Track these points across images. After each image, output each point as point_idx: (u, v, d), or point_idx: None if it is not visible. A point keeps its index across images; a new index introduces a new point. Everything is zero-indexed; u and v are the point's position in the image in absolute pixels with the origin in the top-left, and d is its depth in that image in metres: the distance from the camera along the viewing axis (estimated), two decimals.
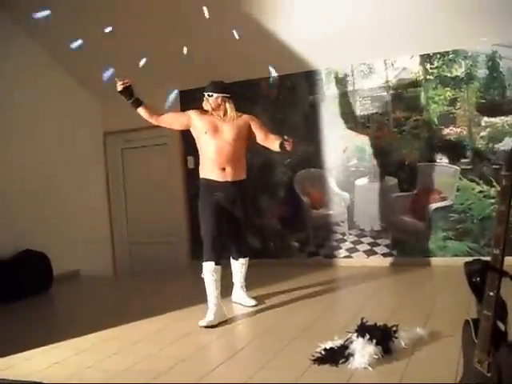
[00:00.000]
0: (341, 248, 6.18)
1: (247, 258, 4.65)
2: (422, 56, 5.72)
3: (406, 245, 5.87)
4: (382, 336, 3.12)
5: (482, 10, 4.98)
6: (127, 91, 4.24)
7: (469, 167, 5.55)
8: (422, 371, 2.79)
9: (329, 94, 6.16)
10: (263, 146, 4.47)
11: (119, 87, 4.21)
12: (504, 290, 1.93)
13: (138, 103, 4.30)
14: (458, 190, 5.60)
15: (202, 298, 4.28)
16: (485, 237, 5.45)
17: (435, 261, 5.65)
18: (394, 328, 3.25)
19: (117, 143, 7.62)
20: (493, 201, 5.38)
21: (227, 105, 4.37)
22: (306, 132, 6.27)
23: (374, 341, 3.04)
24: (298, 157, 6.30)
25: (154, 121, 4.43)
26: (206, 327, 3.98)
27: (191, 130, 4.44)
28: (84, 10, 5.86)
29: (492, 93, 5.43)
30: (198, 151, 4.46)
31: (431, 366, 2.85)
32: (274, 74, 5.23)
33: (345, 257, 6.15)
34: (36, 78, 6.48)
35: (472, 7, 4.97)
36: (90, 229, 7.19)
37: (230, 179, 4.31)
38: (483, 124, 5.48)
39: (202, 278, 4.22)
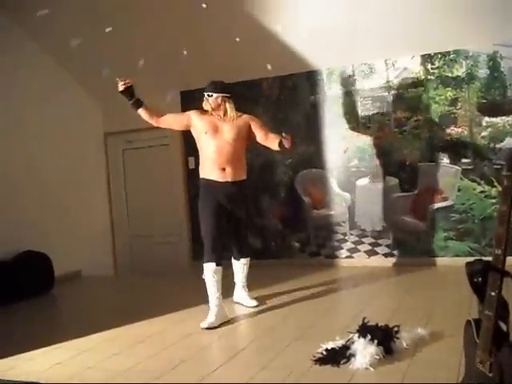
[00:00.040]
0: (342, 248, 6.18)
1: (248, 258, 4.64)
2: (423, 56, 5.71)
3: (407, 245, 5.87)
4: (384, 336, 3.12)
5: (484, 10, 4.98)
6: (128, 91, 4.24)
7: (470, 167, 5.55)
8: (424, 371, 2.79)
9: (330, 94, 6.16)
10: (264, 146, 4.46)
11: (120, 87, 4.21)
12: (506, 290, 1.93)
13: (138, 104, 4.29)
14: (459, 190, 5.59)
15: (203, 298, 4.28)
16: (486, 237, 5.45)
17: (436, 261, 5.65)
18: (396, 328, 3.25)
19: (118, 144, 7.63)
20: (494, 201, 5.38)
21: (227, 105, 4.35)
22: (307, 132, 6.27)
23: (376, 341, 3.04)
24: (299, 157, 6.31)
25: (154, 122, 4.43)
26: (208, 329, 3.97)
27: (191, 130, 4.42)
28: (85, 11, 5.87)
29: (493, 93, 5.43)
30: (198, 152, 4.46)
31: (433, 367, 2.85)
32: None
33: (346, 257, 6.15)
34: (37, 79, 6.49)
35: (473, 7, 4.97)
36: (91, 229, 7.20)
37: (230, 179, 4.29)
38: (484, 124, 5.47)
39: (203, 279, 4.22)
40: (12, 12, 6.06)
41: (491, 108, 5.44)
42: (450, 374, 2.64)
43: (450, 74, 5.61)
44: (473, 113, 5.52)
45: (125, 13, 5.80)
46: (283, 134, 4.04)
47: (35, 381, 3.15)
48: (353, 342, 3.11)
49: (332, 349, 3.14)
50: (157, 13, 5.76)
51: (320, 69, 6.19)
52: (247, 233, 4.75)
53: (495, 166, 5.38)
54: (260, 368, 3.07)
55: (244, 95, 6.08)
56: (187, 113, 4.47)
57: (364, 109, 6.01)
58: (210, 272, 4.17)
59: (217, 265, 4.17)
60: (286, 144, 4.05)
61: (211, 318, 4.05)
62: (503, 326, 1.97)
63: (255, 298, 4.62)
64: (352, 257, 6.12)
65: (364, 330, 3.19)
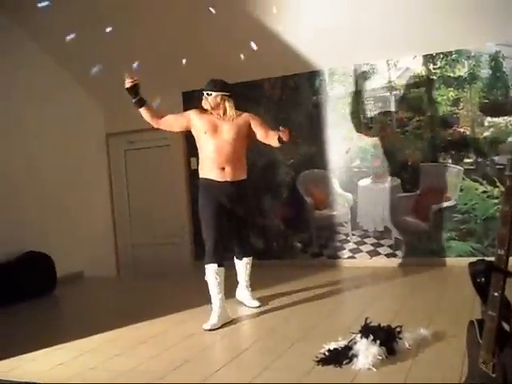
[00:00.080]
0: (344, 249, 6.18)
1: (251, 258, 4.64)
2: (425, 56, 5.71)
3: (410, 245, 5.86)
4: (386, 337, 3.11)
5: (486, 10, 4.97)
6: (134, 89, 4.22)
7: (472, 167, 5.54)
8: (426, 372, 2.79)
9: (332, 95, 6.16)
10: (265, 144, 4.41)
11: (127, 84, 4.19)
12: (509, 290, 1.93)
13: (141, 103, 4.28)
14: (461, 190, 5.59)
15: (205, 298, 4.28)
16: (488, 237, 5.45)
17: (439, 261, 5.64)
18: (398, 329, 3.24)
19: (120, 145, 7.63)
20: (496, 201, 5.38)
21: (226, 103, 4.31)
22: (309, 132, 6.27)
23: (378, 342, 3.04)
24: (301, 157, 6.31)
25: (154, 123, 4.41)
26: (210, 330, 3.97)
27: (191, 129, 4.40)
28: (85, 11, 5.87)
29: (495, 93, 5.42)
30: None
31: (435, 367, 2.84)
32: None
33: (348, 258, 6.15)
34: (37, 79, 6.50)
35: (475, 7, 4.96)
36: (93, 230, 7.20)
37: (229, 179, 4.27)
38: (486, 124, 5.47)
39: (206, 280, 4.20)
40: (12, 12, 6.07)
41: (493, 108, 5.43)
42: (453, 375, 2.63)
43: (452, 74, 5.61)
44: (475, 113, 5.51)
45: (125, 13, 5.80)
46: (280, 128, 4.01)
47: (37, 381, 3.15)
48: (355, 343, 3.11)
49: (334, 349, 3.13)
50: (158, 13, 5.76)
51: (322, 69, 6.19)
52: (249, 232, 4.72)
53: (497, 166, 5.38)
54: (262, 368, 3.07)
55: (246, 96, 6.08)
56: (187, 113, 4.45)
57: (366, 109, 6.01)
58: (213, 273, 4.15)
59: (219, 266, 4.16)
60: (284, 137, 4.00)
61: (213, 320, 4.04)
62: (506, 327, 1.96)
63: (257, 299, 4.61)
64: (354, 257, 6.12)
65: (366, 331, 3.18)
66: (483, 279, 2.02)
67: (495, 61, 5.40)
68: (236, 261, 4.63)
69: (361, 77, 6.01)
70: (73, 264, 6.65)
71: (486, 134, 5.46)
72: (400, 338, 3.15)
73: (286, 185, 6.47)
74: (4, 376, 3.31)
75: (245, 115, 4.40)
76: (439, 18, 5.15)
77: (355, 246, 6.12)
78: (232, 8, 5.54)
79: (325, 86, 6.20)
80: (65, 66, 6.85)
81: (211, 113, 4.34)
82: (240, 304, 4.63)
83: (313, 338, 3.55)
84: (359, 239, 6.10)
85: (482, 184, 5.49)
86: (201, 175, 4.36)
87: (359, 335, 3.16)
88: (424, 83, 5.74)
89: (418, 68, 5.76)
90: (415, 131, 5.79)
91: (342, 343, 3.18)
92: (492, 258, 1.98)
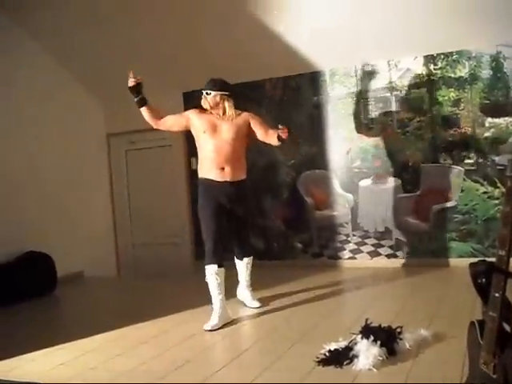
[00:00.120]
0: (345, 249, 6.18)
1: (251, 258, 4.63)
2: (425, 57, 5.71)
3: (410, 246, 5.86)
4: (387, 337, 3.11)
5: (486, 11, 4.97)
6: (136, 88, 4.22)
7: (473, 168, 5.54)
8: (427, 372, 2.79)
9: (333, 95, 6.16)
10: (265, 144, 4.39)
11: (131, 82, 4.19)
12: (510, 291, 1.93)
13: (142, 102, 4.28)
14: (462, 190, 5.59)
15: (206, 299, 4.27)
16: (489, 238, 5.45)
17: (439, 262, 5.64)
18: (399, 329, 3.24)
19: (121, 145, 7.63)
20: (497, 202, 5.38)
21: (226, 103, 4.29)
22: (310, 133, 6.27)
23: (379, 342, 3.03)
24: (301, 158, 6.31)
25: (154, 124, 4.41)
26: (211, 330, 3.97)
27: (191, 129, 4.38)
28: (86, 12, 5.87)
29: (496, 93, 5.42)
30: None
31: (436, 367, 2.84)
32: None
33: (349, 258, 6.15)
34: (37, 79, 6.49)
35: (476, 8, 4.96)
36: (93, 230, 7.20)
37: (229, 179, 4.25)
38: (487, 125, 5.47)
39: (206, 281, 4.20)
40: (12, 12, 6.07)
41: (494, 109, 5.43)
42: (453, 375, 2.63)
43: (452, 75, 5.61)
44: (476, 113, 5.51)
45: (126, 13, 5.81)
46: (279, 126, 4.00)
47: (37, 381, 3.15)
48: (356, 343, 3.11)
49: (335, 350, 3.13)
50: (159, 13, 5.76)
51: (323, 69, 6.19)
52: (249, 232, 4.70)
53: (498, 167, 5.38)
54: (263, 369, 3.07)
55: (247, 96, 6.08)
56: (186, 113, 4.44)
57: (366, 109, 6.01)
58: (213, 274, 4.15)
59: (219, 266, 4.15)
60: (283, 135, 3.98)
61: (214, 320, 4.03)
62: (507, 328, 1.96)
63: (258, 299, 4.61)
64: (355, 258, 6.12)
65: (367, 331, 3.18)
66: (484, 280, 2.02)
67: (496, 61, 5.40)
68: (236, 261, 4.63)
69: (362, 77, 6.01)
70: (73, 264, 6.65)
71: (487, 134, 5.46)
72: (400, 339, 3.15)
73: (287, 185, 6.47)
74: (4, 376, 3.31)
75: (244, 114, 4.38)
76: (440, 19, 5.15)
77: (356, 247, 6.12)
78: (233, 8, 5.54)
79: (326, 87, 6.20)
80: (65, 66, 6.85)
81: (211, 112, 4.32)
82: (241, 304, 4.63)
83: (313, 338, 3.55)
84: (360, 240, 6.10)
85: (482, 185, 5.49)
86: (200, 175, 4.34)
87: (360, 336, 3.16)
88: (425, 84, 5.74)
89: (419, 68, 5.76)
90: (416, 132, 5.79)
91: (342, 344, 3.18)
92: (493, 259, 1.98)
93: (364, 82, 6.00)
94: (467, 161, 5.56)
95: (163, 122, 4.41)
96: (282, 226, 6.51)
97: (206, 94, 4.29)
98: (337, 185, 6.19)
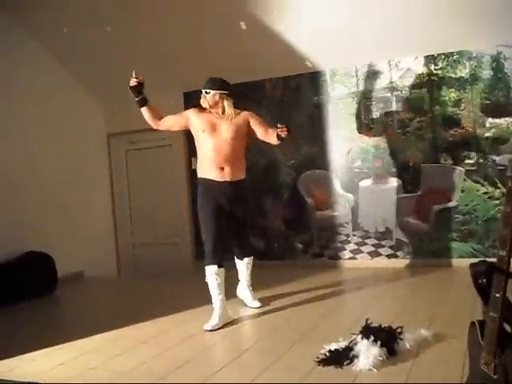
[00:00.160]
0: (345, 249, 6.17)
1: (251, 258, 4.62)
2: (426, 57, 5.71)
3: (410, 246, 5.86)
4: (387, 337, 3.11)
5: (487, 11, 4.97)
6: (137, 88, 4.21)
7: (473, 168, 5.54)
8: (427, 372, 2.79)
9: (333, 95, 6.16)
10: (265, 143, 4.38)
11: (133, 82, 4.18)
12: (510, 291, 1.93)
13: (143, 102, 4.27)
14: (462, 191, 5.59)
15: (206, 299, 4.27)
16: (489, 238, 5.44)
17: (439, 262, 5.63)
18: (399, 330, 3.23)
19: (121, 145, 7.63)
20: (497, 202, 5.37)
21: (225, 102, 4.27)
22: (311, 133, 6.26)
23: (379, 342, 3.03)
24: (302, 158, 6.31)
25: (153, 124, 4.40)
26: (211, 330, 3.96)
27: (190, 128, 4.37)
28: (87, 13, 5.87)
29: (496, 94, 5.42)
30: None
31: (436, 368, 2.84)
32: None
33: (349, 258, 6.14)
34: (38, 79, 6.50)
35: (477, 8, 4.96)
36: (94, 230, 7.20)
37: (228, 179, 4.23)
38: (488, 125, 5.46)
39: (207, 281, 4.20)
40: (12, 12, 6.07)
41: (495, 109, 5.43)
42: (454, 375, 2.63)
43: (453, 75, 5.60)
44: (476, 114, 5.51)
45: (126, 13, 5.81)
46: (278, 125, 3.98)
47: (37, 381, 3.15)
48: (356, 344, 3.10)
49: (335, 350, 3.13)
50: (159, 13, 5.76)
51: (323, 69, 6.19)
52: (248, 233, 4.69)
53: (499, 167, 5.38)
54: (263, 369, 3.07)
55: (247, 96, 6.08)
56: (185, 112, 4.43)
57: (368, 109, 6.00)
58: (213, 274, 4.14)
59: (219, 266, 4.14)
60: (283, 134, 3.97)
61: (214, 320, 4.03)
62: (508, 328, 1.96)
63: (258, 299, 4.61)
64: (355, 258, 6.11)
65: (367, 332, 3.18)
66: (485, 280, 2.02)
67: (497, 62, 5.39)
68: (237, 260, 4.62)
69: (366, 78, 6.00)
70: (73, 264, 6.65)
71: (488, 134, 5.46)
72: (401, 339, 3.15)
73: (287, 185, 6.46)
74: (4, 376, 3.31)
75: (244, 114, 4.36)
76: (440, 19, 5.15)
77: (356, 247, 6.11)
78: (233, 8, 5.54)
79: (326, 87, 6.20)
80: (65, 66, 6.85)
81: (210, 111, 4.31)
82: (241, 304, 4.62)
83: (313, 338, 3.55)
84: (360, 240, 6.10)
85: (483, 185, 5.48)
86: (199, 175, 4.33)
87: (360, 336, 3.16)
88: (425, 84, 5.73)
89: (420, 69, 5.75)
90: (416, 132, 5.79)
91: (342, 344, 3.18)
92: (493, 259, 1.98)
93: (368, 82, 6.00)
94: (468, 161, 5.56)
95: (163, 122, 4.40)
96: (282, 226, 6.51)
97: (206, 93, 4.27)
98: (337, 185, 6.19)
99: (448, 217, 5.65)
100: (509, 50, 5.32)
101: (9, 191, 6.00)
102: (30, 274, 5.78)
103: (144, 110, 4.31)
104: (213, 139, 4.21)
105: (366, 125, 6.02)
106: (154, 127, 4.44)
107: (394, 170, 5.90)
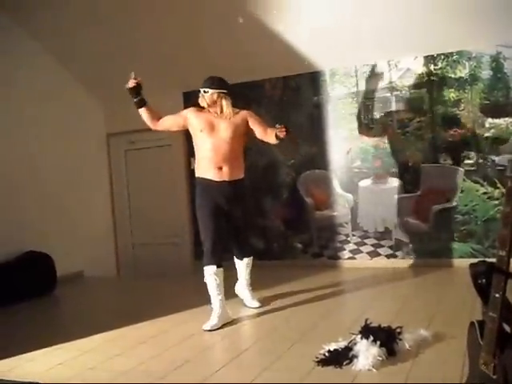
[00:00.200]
0: (344, 249, 6.17)
1: (251, 258, 4.61)
2: (425, 57, 5.71)
3: (410, 246, 5.86)
4: (386, 337, 3.11)
5: (486, 11, 4.97)
6: (135, 90, 4.21)
7: (473, 168, 5.54)
8: (427, 373, 2.79)
9: (333, 95, 6.16)
10: (263, 142, 4.36)
11: (131, 83, 4.18)
12: (510, 291, 1.93)
13: (141, 103, 4.27)
14: (461, 191, 5.59)
15: (205, 299, 4.27)
16: (489, 238, 5.44)
17: (439, 262, 5.63)
18: (398, 329, 3.23)
19: (120, 145, 7.63)
20: (497, 202, 5.37)
21: (223, 101, 4.25)
22: (310, 133, 6.26)
23: (378, 342, 3.03)
24: (301, 158, 6.31)
25: (152, 125, 4.39)
26: (210, 330, 3.96)
27: (188, 128, 4.35)
28: (87, 13, 5.87)
29: (496, 94, 5.42)
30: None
31: (436, 368, 2.84)
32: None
33: (348, 258, 6.14)
34: (38, 79, 6.49)
35: (476, 8, 4.96)
36: (93, 230, 7.20)
37: (226, 179, 4.21)
38: (487, 125, 5.47)
39: (205, 281, 4.19)
40: (12, 12, 6.07)
41: (494, 109, 5.43)
42: (453, 375, 2.63)
43: (453, 75, 5.61)
44: (476, 114, 5.51)
45: (126, 13, 5.81)
46: (277, 126, 3.97)
47: (37, 381, 3.15)
48: (355, 344, 3.10)
49: (334, 350, 3.13)
50: (159, 13, 5.76)
51: (323, 69, 6.19)
52: (248, 233, 4.69)
53: (498, 168, 5.38)
54: (262, 369, 3.06)
55: (247, 96, 6.08)
56: (184, 112, 4.41)
57: (369, 110, 6.00)
58: (211, 275, 4.13)
59: (218, 267, 4.13)
60: (281, 134, 3.95)
61: (214, 320, 4.03)
62: (507, 328, 1.96)
63: (258, 299, 4.60)
64: (354, 258, 6.11)
65: (366, 331, 3.18)
66: (484, 280, 2.02)
67: (496, 62, 5.40)
68: (236, 260, 4.62)
69: (368, 78, 6.00)
70: (73, 264, 6.65)
71: (487, 134, 5.46)
72: (400, 339, 3.14)
73: (287, 185, 6.46)
74: (3, 375, 3.31)
75: (242, 113, 4.35)
76: (440, 19, 5.15)
77: (355, 247, 6.11)
78: (233, 8, 5.53)
79: (326, 87, 6.20)
80: (65, 66, 6.85)
81: (209, 111, 4.29)
82: (240, 304, 4.62)
83: (313, 338, 3.54)
84: (359, 240, 6.10)
85: (482, 185, 5.48)
86: (197, 174, 4.31)
87: (359, 336, 3.16)
88: (425, 84, 5.74)
89: (419, 69, 5.76)
90: (416, 132, 5.79)
91: (342, 344, 3.18)
92: (493, 260, 1.97)
93: (370, 82, 5.99)
94: (467, 161, 5.56)
95: (161, 123, 4.39)
96: (281, 226, 6.51)
97: (204, 92, 4.26)
98: (337, 185, 6.19)
99: (447, 217, 5.65)
100: (508, 50, 5.33)
101: (8, 191, 5.99)
102: (29, 273, 5.78)
103: (142, 111, 4.30)
104: (211, 139, 4.19)
105: (365, 125, 6.01)
106: (153, 128, 4.43)
107: (393, 170, 5.90)
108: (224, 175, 4.21)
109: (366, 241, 6.08)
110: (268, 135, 4.22)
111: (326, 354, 3.10)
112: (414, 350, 3.10)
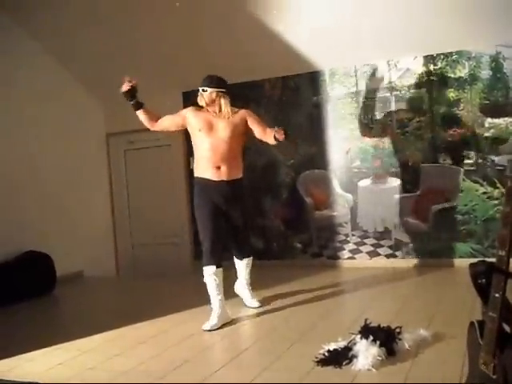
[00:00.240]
0: (344, 249, 6.17)
1: (251, 258, 4.61)
2: (425, 57, 5.71)
3: (409, 246, 5.86)
4: (386, 337, 3.11)
5: (486, 11, 4.97)
6: (130, 93, 4.20)
7: (472, 168, 5.54)
8: (426, 372, 2.79)
9: (333, 95, 6.16)
10: (262, 142, 4.35)
11: (125, 87, 4.18)
12: (510, 291, 1.93)
13: (138, 106, 4.26)
14: (461, 191, 5.59)
15: (205, 299, 4.27)
16: (488, 238, 5.44)
17: (439, 262, 5.63)
18: (398, 329, 3.23)
19: (120, 144, 7.63)
20: (496, 202, 5.38)
21: (222, 100, 4.23)
22: (310, 133, 6.26)
23: (378, 342, 3.03)
24: (301, 158, 6.31)
25: (150, 126, 4.39)
26: (210, 330, 3.96)
27: (187, 127, 4.34)
28: (87, 13, 5.87)
29: (496, 94, 5.42)
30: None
31: (435, 368, 2.84)
32: None
33: (348, 258, 6.14)
34: (38, 79, 6.49)
35: (476, 8, 4.96)
36: (93, 230, 7.20)
37: (225, 178, 4.20)
38: (487, 125, 5.47)
39: (205, 281, 4.19)
40: (12, 12, 6.07)
41: (494, 109, 5.43)
42: (453, 375, 2.63)
43: (452, 75, 5.61)
44: (475, 114, 5.51)
45: (126, 13, 5.81)
46: (275, 128, 3.97)
47: (37, 381, 3.15)
48: (355, 343, 3.10)
49: (334, 350, 3.13)
50: (159, 13, 5.76)
51: (323, 69, 6.19)
52: (247, 233, 4.65)
53: (498, 167, 5.38)
54: (262, 369, 3.06)
55: (246, 96, 6.08)
56: (182, 112, 4.40)
57: (370, 110, 6.00)
58: (211, 275, 4.13)
59: (217, 267, 4.13)
60: (279, 137, 3.94)
61: (213, 320, 4.03)
62: (507, 328, 1.96)
63: (257, 299, 4.60)
64: (354, 258, 6.11)
65: (366, 331, 3.18)
66: (484, 280, 2.02)
67: (496, 62, 5.40)
68: (236, 260, 4.61)
69: (369, 78, 6.00)
70: (73, 264, 6.65)
71: (487, 134, 5.46)
72: (400, 339, 3.15)
73: (286, 185, 6.46)
74: (3, 375, 3.31)
75: (241, 112, 4.34)
76: (440, 19, 5.15)
77: (355, 247, 6.11)
78: (233, 8, 5.53)
79: (325, 87, 6.20)
80: (65, 66, 6.85)
81: (207, 110, 4.28)
82: (240, 304, 4.61)
83: (312, 338, 3.54)
84: (359, 240, 6.10)
85: (482, 185, 5.48)
86: (196, 174, 4.30)
87: (359, 336, 3.16)
88: (424, 84, 5.74)
89: (419, 69, 5.76)
90: (415, 132, 5.79)
91: (341, 344, 3.18)
92: (493, 259, 1.98)
93: (371, 82, 5.99)
94: (467, 161, 5.56)
95: (159, 124, 4.39)
96: (281, 226, 6.51)
97: (203, 90, 4.25)
98: (336, 185, 6.19)
99: (447, 217, 5.65)
100: (508, 50, 5.33)
101: (8, 191, 5.99)
102: (29, 273, 5.78)
103: (140, 113, 4.29)
104: (210, 138, 4.18)
105: (365, 125, 6.01)
106: (151, 129, 4.42)
107: (393, 169, 5.90)
108: (222, 175, 4.20)
109: (365, 241, 6.08)
110: (267, 135, 4.20)
111: (326, 354, 3.10)
112: (413, 349, 3.10)
